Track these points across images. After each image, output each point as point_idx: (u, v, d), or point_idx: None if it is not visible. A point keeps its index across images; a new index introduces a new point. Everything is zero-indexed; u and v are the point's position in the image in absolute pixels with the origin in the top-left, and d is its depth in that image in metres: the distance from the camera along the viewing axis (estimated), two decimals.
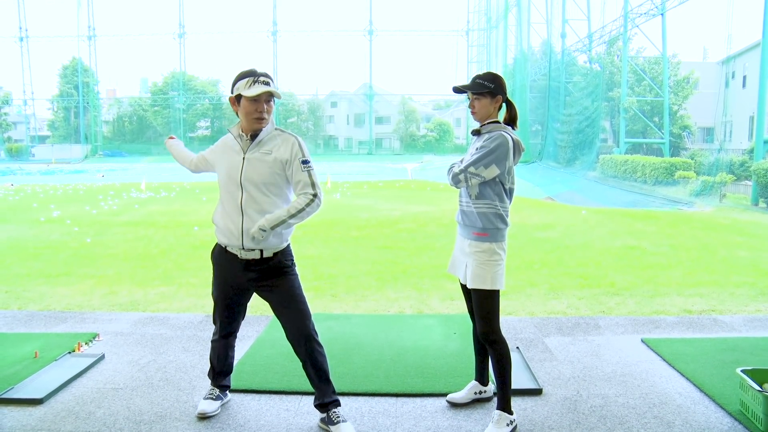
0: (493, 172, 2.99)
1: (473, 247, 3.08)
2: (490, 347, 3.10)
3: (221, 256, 3.17)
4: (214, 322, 3.35)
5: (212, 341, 3.39)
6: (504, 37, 41.71)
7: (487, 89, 3.08)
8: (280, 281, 3.11)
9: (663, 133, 27.14)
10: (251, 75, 2.96)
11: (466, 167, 3.02)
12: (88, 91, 54.82)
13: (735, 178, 19.20)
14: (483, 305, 3.07)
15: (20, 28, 53.32)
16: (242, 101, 2.96)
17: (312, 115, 61.44)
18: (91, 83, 55.18)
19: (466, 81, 3.20)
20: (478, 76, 3.13)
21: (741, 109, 29.51)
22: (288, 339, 3.19)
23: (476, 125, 3.19)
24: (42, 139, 58.98)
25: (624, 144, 27.64)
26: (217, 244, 3.21)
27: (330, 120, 64.34)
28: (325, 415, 3.16)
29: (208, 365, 3.44)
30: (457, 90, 3.17)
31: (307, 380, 3.62)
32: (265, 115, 3.00)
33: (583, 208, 14.68)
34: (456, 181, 3.07)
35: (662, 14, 26.34)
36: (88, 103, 55.10)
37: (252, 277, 3.09)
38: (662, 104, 27.87)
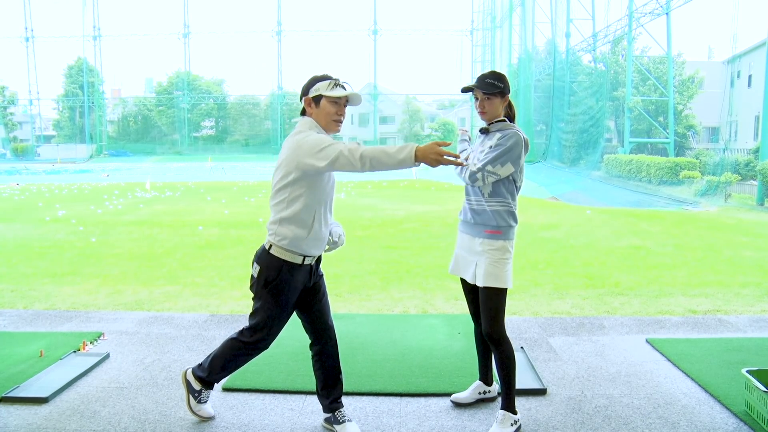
0: (508, 170, 3.01)
1: (486, 245, 3.07)
2: (494, 346, 3.09)
3: (296, 273, 2.94)
4: (262, 341, 3.04)
5: (252, 352, 3.08)
6: (508, 37, 41.64)
7: (498, 89, 3.07)
8: (321, 274, 3.21)
9: (668, 133, 27.04)
10: (331, 78, 2.94)
11: (484, 166, 3.00)
12: (93, 90, 54.93)
13: (740, 177, 19.13)
14: (492, 303, 3.06)
15: (26, 29, 53.45)
16: (322, 102, 2.91)
17: None
18: (96, 83, 55.27)
19: (470, 80, 3.19)
20: (486, 76, 3.11)
21: (746, 108, 29.41)
22: (319, 333, 3.14)
23: (477, 124, 3.20)
24: (47, 139, 59.14)
25: (629, 143, 27.56)
26: (282, 264, 2.90)
27: None
28: (330, 414, 3.16)
29: (220, 373, 3.15)
30: (466, 90, 3.15)
31: (311, 380, 3.64)
32: (343, 119, 2.98)
33: (588, 208, 14.65)
34: (473, 179, 3.03)
35: (667, 13, 26.24)
36: (93, 102, 55.21)
37: (314, 279, 3.10)
38: (667, 104, 27.76)
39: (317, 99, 2.92)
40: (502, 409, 3.10)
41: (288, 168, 2.82)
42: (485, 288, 3.06)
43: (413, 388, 3.61)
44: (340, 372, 3.19)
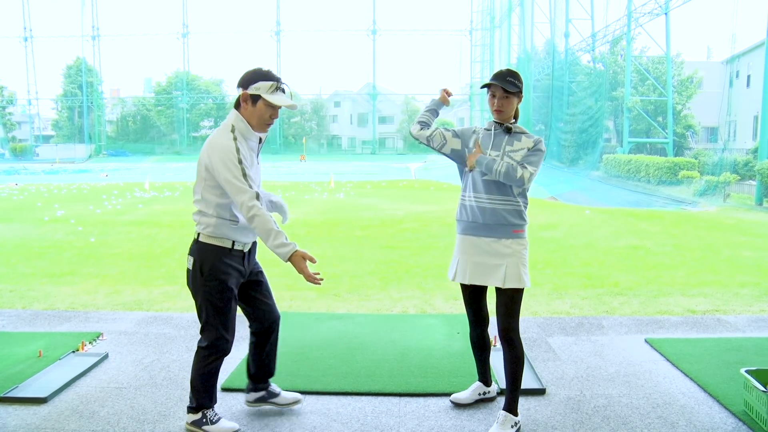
0: (538, 172, 3.06)
1: (516, 244, 3.04)
2: (508, 345, 3.08)
3: (228, 258, 2.93)
4: (221, 340, 2.98)
5: (216, 356, 3.00)
6: (507, 37, 41.61)
7: (518, 89, 3.04)
8: (259, 269, 3.22)
9: (667, 133, 27.06)
10: (274, 79, 2.89)
11: (534, 171, 2.99)
12: (92, 90, 54.88)
13: (739, 177, 19.14)
14: (515, 303, 3.07)
15: (25, 28, 53.44)
16: (259, 103, 2.88)
17: (315, 115, 61.51)
18: (95, 83, 55.23)
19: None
20: (506, 74, 3.04)
21: (745, 108, 29.41)
22: (268, 322, 3.22)
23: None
24: (46, 139, 59.07)
25: (627, 143, 27.58)
26: (214, 249, 2.90)
27: (333, 120, 64.40)
28: (264, 392, 3.29)
29: (204, 392, 3.04)
30: (485, 86, 3.10)
31: (310, 380, 3.65)
32: (273, 123, 3.00)
33: (587, 208, 14.66)
34: (529, 182, 2.99)
35: (666, 13, 26.26)
36: (92, 102, 55.16)
37: (249, 268, 3.10)
38: (666, 104, 27.77)
39: (255, 98, 2.88)
40: (504, 409, 3.09)
41: (204, 164, 2.88)
42: (513, 289, 3.04)
43: (412, 388, 3.61)
44: (275, 359, 3.32)
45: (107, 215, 12.72)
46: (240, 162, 2.79)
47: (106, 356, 4.08)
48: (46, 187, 20.93)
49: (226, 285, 2.94)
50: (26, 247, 8.77)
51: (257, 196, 2.79)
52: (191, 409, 3.08)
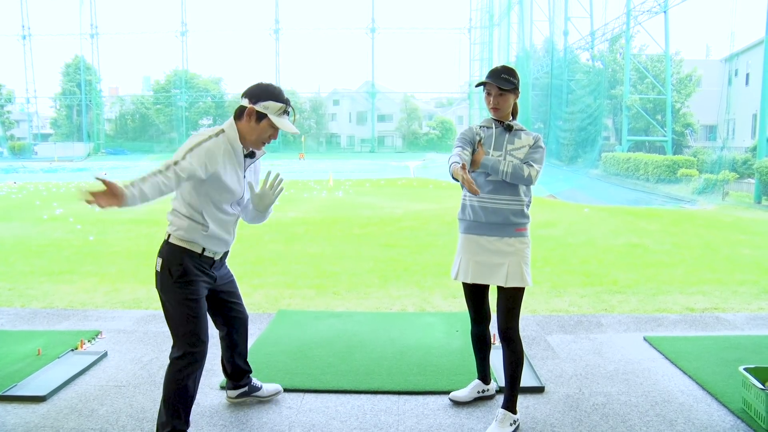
0: None
1: (519, 243, 3.03)
2: (507, 344, 3.08)
3: (198, 262, 2.85)
4: (196, 346, 2.82)
5: (195, 366, 2.84)
6: (506, 35, 41.64)
7: (513, 85, 3.02)
8: (231, 278, 3.20)
9: (666, 131, 27.09)
10: (283, 101, 2.82)
11: (539, 169, 2.99)
12: (90, 89, 54.79)
13: (738, 176, 19.18)
14: (517, 302, 3.07)
15: (23, 26, 53.32)
16: (263, 122, 2.79)
17: (314, 113, 61.46)
18: (94, 81, 55.11)
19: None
20: (500, 71, 3.02)
21: (744, 106, 29.42)
22: (237, 325, 3.25)
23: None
24: (45, 137, 58.97)
25: (626, 142, 27.60)
26: (183, 252, 2.81)
27: (332, 118, 64.33)
28: (246, 387, 3.38)
29: (182, 410, 2.84)
30: (480, 84, 3.06)
31: (309, 379, 3.64)
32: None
33: (586, 206, 14.67)
34: (536, 179, 2.99)
35: (665, 11, 26.28)
36: (90, 101, 55.06)
37: (219, 273, 3.03)
38: (665, 102, 27.82)
39: (261, 115, 2.79)
40: (503, 408, 3.09)
41: None
42: (515, 287, 3.03)
43: (411, 386, 3.61)
44: (247, 356, 3.39)
45: (106, 213, 12.69)
46: (190, 150, 2.67)
47: (105, 354, 4.08)
48: (45, 186, 20.90)
49: (196, 288, 2.83)
50: (25, 245, 8.76)
51: (174, 172, 2.62)
52: None
